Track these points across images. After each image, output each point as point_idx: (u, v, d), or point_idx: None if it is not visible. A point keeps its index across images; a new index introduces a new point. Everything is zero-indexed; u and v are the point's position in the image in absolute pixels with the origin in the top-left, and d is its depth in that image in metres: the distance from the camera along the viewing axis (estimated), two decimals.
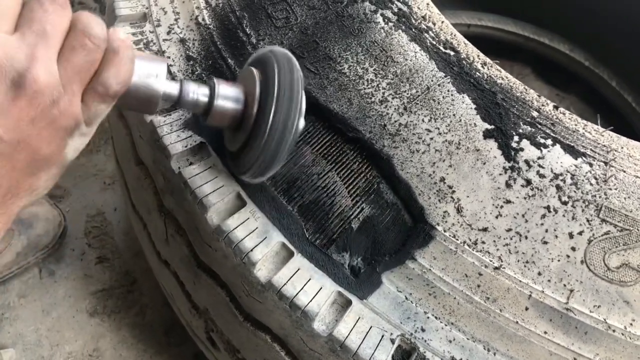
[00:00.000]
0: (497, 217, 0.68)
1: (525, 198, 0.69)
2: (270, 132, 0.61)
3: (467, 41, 0.86)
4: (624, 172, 0.72)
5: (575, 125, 0.76)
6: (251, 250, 0.67)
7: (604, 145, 0.74)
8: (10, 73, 0.44)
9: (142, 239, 0.98)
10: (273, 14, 0.83)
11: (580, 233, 0.67)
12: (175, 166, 0.73)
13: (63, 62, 0.48)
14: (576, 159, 0.72)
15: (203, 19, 0.84)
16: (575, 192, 0.69)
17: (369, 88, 0.75)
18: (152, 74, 0.57)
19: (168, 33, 0.83)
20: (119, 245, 1.32)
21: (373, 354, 0.63)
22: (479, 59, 0.83)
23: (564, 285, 0.66)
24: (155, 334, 1.20)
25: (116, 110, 0.92)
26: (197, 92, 0.62)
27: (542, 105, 0.78)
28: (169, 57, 0.81)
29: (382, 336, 0.64)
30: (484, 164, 0.71)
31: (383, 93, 0.75)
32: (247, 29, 0.81)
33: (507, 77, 0.81)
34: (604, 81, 1.84)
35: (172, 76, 0.79)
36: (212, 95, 0.62)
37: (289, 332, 0.69)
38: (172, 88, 0.60)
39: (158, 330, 1.21)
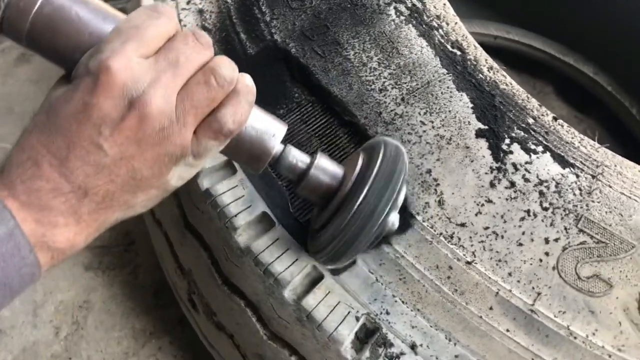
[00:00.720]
0: (476, 215, 0.70)
1: (507, 199, 0.70)
2: (354, 215, 0.58)
3: (477, 45, 0.87)
4: (610, 187, 0.73)
5: (572, 138, 0.77)
6: (235, 215, 0.70)
7: (595, 160, 0.75)
8: (130, 92, 0.46)
9: None
10: None
11: (556, 240, 0.69)
12: None
13: (183, 93, 0.48)
14: (564, 169, 0.73)
15: None
16: (557, 199, 0.71)
17: (370, 76, 0.77)
18: (270, 133, 0.56)
19: (187, 3, 0.86)
20: None
21: (337, 327, 0.65)
22: (486, 62, 0.84)
23: (533, 287, 0.67)
24: (144, 295, 1.24)
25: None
26: (297, 158, 0.60)
27: (541, 114, 0.79)
28: (184, 26, 0.84)
29: (349, 312, 0.67)
30: (472, 161, 0.72)
31: (383, 82, 0.77)
32: (263, 7, 0.84)
33: (511, 84, 0.82)
34: (625, 108, 1.83)
35: None
36: (310, 164, 0.60)
37: (262, 298, 0.71)
38: (279, 148, 0.59)
39: (148, 291, 1.24)
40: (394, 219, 0.61)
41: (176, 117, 0.48)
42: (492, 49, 1.88)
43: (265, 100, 0.74)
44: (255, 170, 0.59)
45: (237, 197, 0.71)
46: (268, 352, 0.76)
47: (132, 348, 1.17)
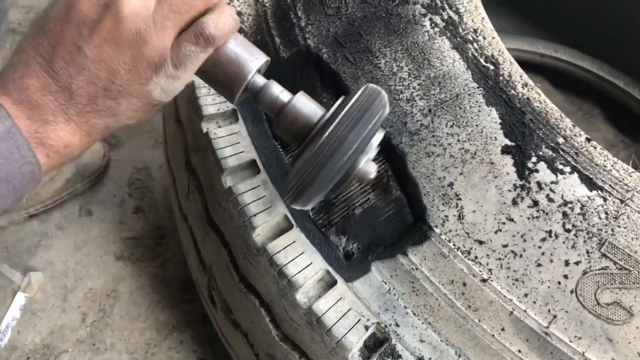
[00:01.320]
0: (496, 232, 0.69)
1: (528, 218, 0.69)
2: (317, 150, 0.54)
3: (514, 61, 0.86)
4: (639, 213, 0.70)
5: (604, 160, 0.75)
6: (254, 215, 0.71)
7: (627, 185, 0.73)
8: None
9: (171, 192, 1.04)
10: (327, 1, 0.86)
11: (576, 263, 0.67)
12: (205, 126, 0.77)
13: None
14: (591, 191, 0.71)
15: None
16: (581, 222, 0.69)
17: (399, 85, 0.77)
18: (249, 59, 0.56)
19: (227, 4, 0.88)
20: (157, 200, 1.39)
21: (346, 334, 0.65)
22: (521, 79, 0.83)
23: (549, 310, 0.65)
24: (171, 288, 1.26)
25: None
26: (277, 93, 0.59)
27: (574, 134, 0.77)
28: None
29: (359, 320, 0.66)
30: (495, 177, 0.71)
31: (412, 92, 0.77)
32: (299, 12, 0.85)
33: (544, 102, 0.81)
34: None
35: None
36: (290, 101, 0.59)
37: (275, 299, 0.72)
38: (260, 79, 0.58)
39: (175, 285, 1.27)
40: (366, 165, 0.56)
41: (153, 21, 0.49)
42: (539, 68, 1.85)
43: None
44: (230, 97, 0.58)
45: (258, 197, 0.72)
46: (279, 353, 0.76)
47: (154, 339, 1.19)
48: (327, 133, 0.54)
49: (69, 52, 0.49)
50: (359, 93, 0.56)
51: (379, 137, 0.57)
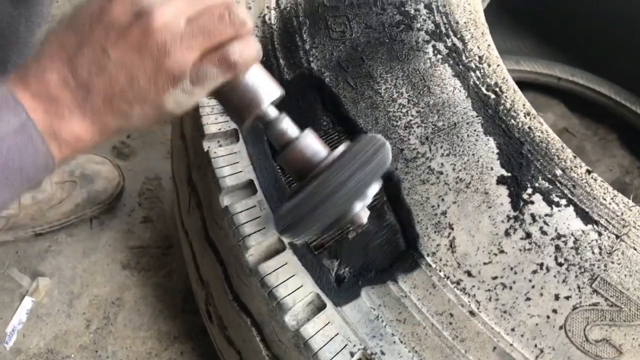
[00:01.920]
0: (486, 263, 0.69)
1: (520, 250, 0.69)
2: (316, 187, 0.55)
3: (517, 89, 0.86)
4: (635, 249, 0.70)
5: (603, 194, 0.75)
6: (248, 235, 0.72)
7: (624, 220, 0.72)
8: (141, 3, 0.50)
9: (174, 206, 1.05)
10: (332, 25, 0.87)
11: (567, 297, 0.67)
12: (206, 145, 0.79)
13: (194, 19, 0.51)
14: (586, 225, 0.71)
15: (269, 19, 0.89)
16: (574, 256, 0.69)
17: (398, 112, 0.78)
18: (266, 90, 0.58)
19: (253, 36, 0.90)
20: (166, 210, 1.41)
21: (332, 358, 0.66)
22: (524, 108, 0.82)
23: (536, 344, 0.65)
24: (174, 299, 1.28)
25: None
26: (287, 127, 0.60)
27: (574, 166, 0.77)
28: None
29: (345, 345, 0.67)
30: (489, 207, 0.71)
31: (410, 119, 0.77)
32: (305, 35, 0.86)
33: (546, 132, 0.81)
34: None
35: None
36: (297, 137, 0.60)
37: (265, 320, 0.73)
38: (272, 111, 0.60)
39: (178, 296, 1.28)
40: (360, 212, 0.59)
41: (181, 37, 0.51)
42: (556, 91, 1.84)
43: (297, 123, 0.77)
44: (240, 122, 0.59)
45: (253, 218, 0.73)
46: None
47: (155, 349, 1.21)
48: (326, 175, 0.55)
49: (93, 52, 0.50)
50: (364, 141, 0.57)
51: (376, 187, 0.59)
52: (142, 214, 1.41)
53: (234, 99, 0.58)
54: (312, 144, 0.60)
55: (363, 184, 0.56)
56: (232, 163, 0.77)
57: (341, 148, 0.59)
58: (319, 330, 0.67)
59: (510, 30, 1.77)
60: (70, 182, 1.29)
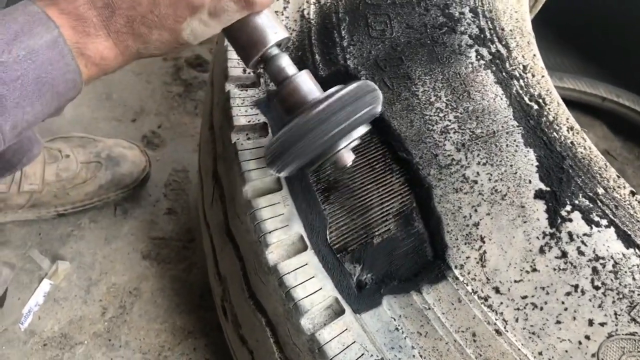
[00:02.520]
0: (517, 280, 0.65)
1: (554, 269, 0.65)
2: (300, 120, 0.59)
3: (561, 101, 0.82)
4: None
5: None
6: (269, 232, 0.69)
7: None
8: None
9: (198, 198, 1.04)
10: (372, 23, 0.84)
11: (602, 324, 0.62)
12: (234, 137, 0.77)
13: None
14: (627, 249, 0.66)
15: (308, 13, 0.87)
16: (612, 280, 0.64)
17: (435, 116, 0.75)
18: (273, 31, 0.62)
19: None
20: (191, 204, 1.40)
21: None
22: (567, 122, 0.79)
23: None
24: (192, 294, 1.26)
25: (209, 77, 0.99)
26: (285, 66, 0.64)
27: (617, 186, 0.73)
28: None
29: (362, 354, 0.64)
30: (525, 222, 0.68)
31: (447, 124, 0.74)
32: (343, 32, 0.84)
33: (589, 148, 0.77)
34: None
35: None
36: (293, 75, 0.64)
37: (280, 321, 0.70)
38: (275, 50, 0.64)
39: (196, 291, 1.26)
40: (344, 152, 0.62)
41: None
42: (599, 111, 1.78)
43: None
44: (245, 59, 0.64)
45: (276, 214, 0.71)
46: None
47: (169, 343, 1.19)
48: (315, 110, 0.59)
49: None
50: (355, 84, 0.61)
51: (363, 129, 0.63)
52: (167, 205, 1.39)
53: (242, 37, 0.63)
54: (306, 82, 0.64)
55: (348, 123, 0.59)
56: (259, 157, 0.75)
57: (332, 89, 0.62)
58: (335, 337, 0.64)
59: (554, 46, 1.72)
60: (96, 163, 1.29)
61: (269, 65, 0.64)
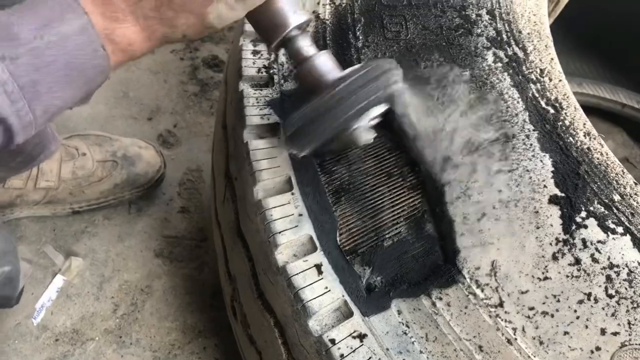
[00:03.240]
0: (528, 287, 0.64)
1: (567, 276, 0.64)
2: (319, 100, 0.62)
3: (579, 107, 0.80)
4: None
5: None
6: (279, 232, 0.69)
7: None
8: None
9: (211, 197, 1.04)
10: (387, 25, 0.84)
11: (614, 333, 0.61)
12: (246, 136, 0.77)
13: None
14: None
15: (323, 13, 0.87)
16: (627, 289, 0.63)
17: (448, 118, 0.74)
18: (294, 14, 0.64)
19: None
20: (204, 203, 1.40)
21: None
22: (584, 127, 0.77)
23: None
24: (203, 293, 1.26)
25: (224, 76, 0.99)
26: (307, 46, 0.66)
27: (634, 193, 0.72)
28: None
29: (370, 358, 0.63)
30: (538, 228, 0.66)
31: (461, 127, 0.73)
32: (358, 33, 0.83)
33: (606, 154, 0.75)
34: None
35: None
36: (313, 55, 0.66)
37: (288, 322, 0.69)
38: (296, 32, 0.66)
39: (207, 290, 1.26)
40: (361, 130, 0.64)
41: None
42: (619, 117, 1.76)
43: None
44: (268, 41, 0.66)
45: (286, 215, 0.70)
46: None
47: (179, 341, 1.19)
48: (329, 91, 0.61)
49: None
50: (371, 64, 0.63)
51: (379, 109, 0.64)
52: (180, 204, 1.40)
53: (265, 20, 0.65)
54: (325, 62, 0.66)
55: (363, 103, 0.61)
56: (270, 157, 0.75)
57: (349, 69, 0.64)
58: (343, 339, 0.64)
59: (574, 51, 1.70)
60: (112, 162, 1.30)
61: (290, 47, 0.66)
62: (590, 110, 1.68)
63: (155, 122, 1.54)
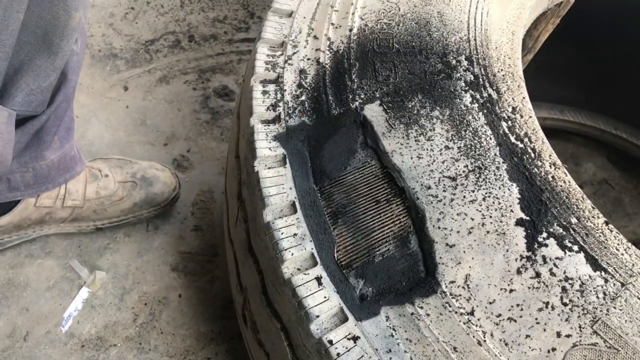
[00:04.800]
0: (497, 297, 0.75)
1: (529, 287, 0.76)
2: None
3: (545, 140, 0.92)
4: (639, 298, 0.75)
5: (617, 245, 0.81)
6: (285, 249, 0.81)
7: (632, 270, 0.78)
8: None
9: (224, 218, 1.16)
10: (379, 69, 0.97)
11: (567, 335, 0.73)
12: (257, 166, 0.89)
13: None
14: (594, 271, 0.77)
15: (323, 59, 1.00)
16: (578, 298, 0.75)
17: (430, 151, 0.86)
18: None
19: (286, 62, 1.00)
20: (215, 222, 1.53)
21: None
22: (550, 158, 0.89)
23: None
24: (215, 304, 1.38)
25: (236, 112, 1.11)
26: None
27: (591, 216, 0.83)
28: (283, 82, 0.98)
29: (362, 356, 0.75)
30: (505, 246, 0.78)
31: (441, 159, 0.85)
32: (353, 76, 0.96)
33: (569, 182, 0.87)
34: None
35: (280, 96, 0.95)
36: None
37: (293, 326, 0.81)
38: None
39: (218, 301, 1.38)
40: None
41: None
42: (599, 142, 1.86)
43: (339, 155, 0.89)
44: None
45: (291, 234, 0.82)
46: None
47: (193, 347, 1.31)
48: None
49: None
50: None
51: None
52: (194, 222, 1.52)
53: None
54: None
55: None
56: (278, 184, 0.87)
57: None
58: (339, 340, 0.75)
59: (557, 79, 1.82)
60: (132, 183, 1.43)
61: None
62: (573, 134, 1.81)
63: (170, 147, 1.67)
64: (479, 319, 0.75)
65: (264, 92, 0.97)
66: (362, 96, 0.93)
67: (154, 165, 1.49)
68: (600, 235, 0.81)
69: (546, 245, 0.79)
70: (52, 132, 1.17)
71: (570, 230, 0.81)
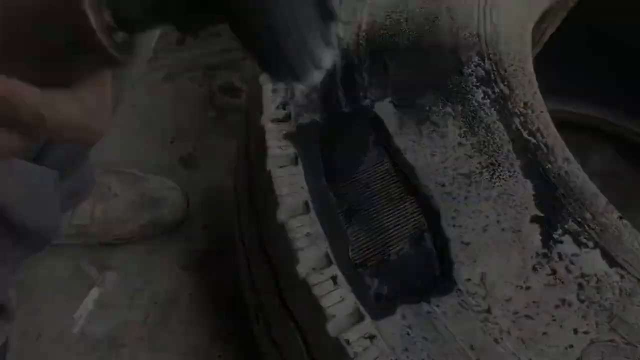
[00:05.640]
0: (513, 294, 0.75)
1: (545, 285, 0.75)
2: None
3: (557, 134, 0.92)
4: None
5: (632, 240, 0.81)
6: (300, 249, 0.80)
7: None
8: None
9: (234, 217, 1.16)
10: (389, 66, 0.96)
11: (585, 332, 0.73)
12: (269, 165, 0.89)
13: None
14: (610, 267, 0.77)
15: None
16: (595, 295, 0.75)
17: (443, 148, 0.86)
18: None
19: None
20: (224, 220, 1.52)
21: None
22: (562, 153, 0.89)
23: None
24: (225, 302, 1.38)
25: (245, 114, 1.11)
26: None
27: (605, 212, 0.83)
28: None
29: (378, 355, 0.75)
30: (520, 244, 0.78)
31: (454, 156, 0.85)
32: (364, 73, 0.95)
33: (582, 178, 0.87)
34: None
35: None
36: None
37: (308, 326, 0.81)
38: None
39: (229, 299, 1.38)
40: (322, 50, 0.45)
41: None
42: (608, 135, 1.85)
43: (351, 153, 0.89)
44: None
45: (305, 234, 0.82)
46: None
47: (204, 345, 1.31)
48: None
49: None
50: None
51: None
52: (202, 221, 1.52)
53: None
54: None
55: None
56: (290, 183, 0.87)
57: None
58: (356, 340, 0.75)
59: (567, 71, 1.81)
60: (140, 203, 1.42)
61: None
62: (582, 127, 1.80)
63: (176, 144, 1.67)
64: (495, 317, 0.74)
65: (274, 90, 0.97)
66: (373, 93, 0.93)
67: (166, 183, 1.48)
68: (615, 231, 0.81)
69: (562, 242, 0.78)
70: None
71: (585, 226, 0.80)
